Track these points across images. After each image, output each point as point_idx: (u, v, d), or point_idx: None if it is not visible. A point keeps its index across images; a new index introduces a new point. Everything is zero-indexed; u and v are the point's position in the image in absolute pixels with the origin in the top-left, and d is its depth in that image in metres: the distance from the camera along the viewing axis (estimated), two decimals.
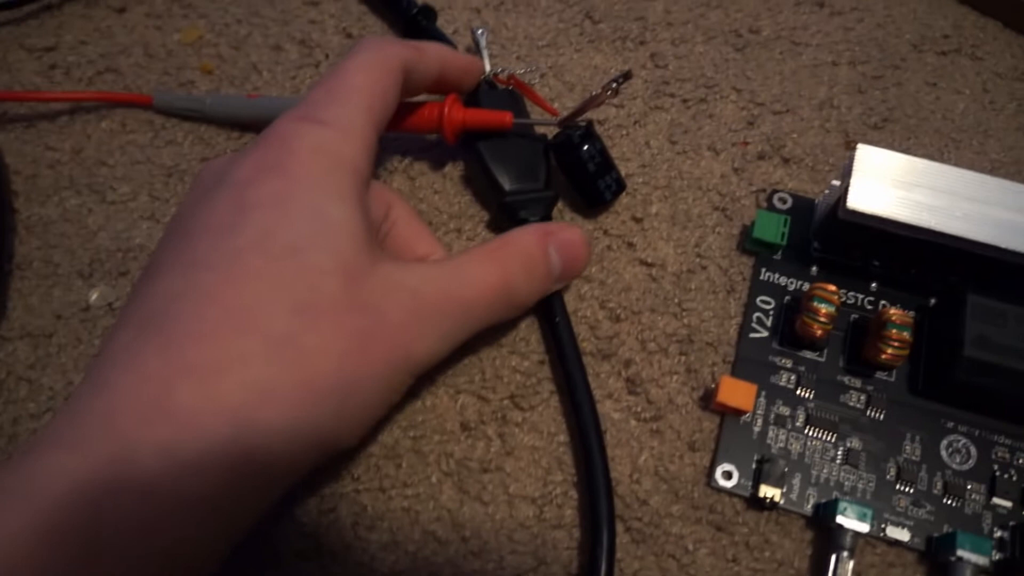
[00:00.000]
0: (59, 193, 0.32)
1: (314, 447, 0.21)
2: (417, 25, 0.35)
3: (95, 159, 0.33)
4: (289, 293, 0.20)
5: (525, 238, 0.26)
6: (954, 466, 0.27)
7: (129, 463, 0.18)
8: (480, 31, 0.33)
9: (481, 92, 0.31)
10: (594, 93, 0.28)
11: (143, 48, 0.36)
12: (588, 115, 0.30)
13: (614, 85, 0.27)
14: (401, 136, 0.33)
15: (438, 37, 0.35)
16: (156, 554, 0.18)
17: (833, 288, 0.27)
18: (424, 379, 0.28)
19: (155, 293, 0.21)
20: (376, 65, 0.25)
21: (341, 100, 0.24)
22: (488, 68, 0.32)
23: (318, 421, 0.20)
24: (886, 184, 0.27)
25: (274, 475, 0.20)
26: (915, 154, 0.33)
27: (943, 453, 0.27)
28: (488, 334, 0.29)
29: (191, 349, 0.19)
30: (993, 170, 0.34)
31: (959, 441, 0.27)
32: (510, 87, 0.32)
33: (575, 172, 0.30)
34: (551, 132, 0.31)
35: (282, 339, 0.20)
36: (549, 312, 0.28)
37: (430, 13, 0.36)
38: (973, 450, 0.27)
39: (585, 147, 0.29)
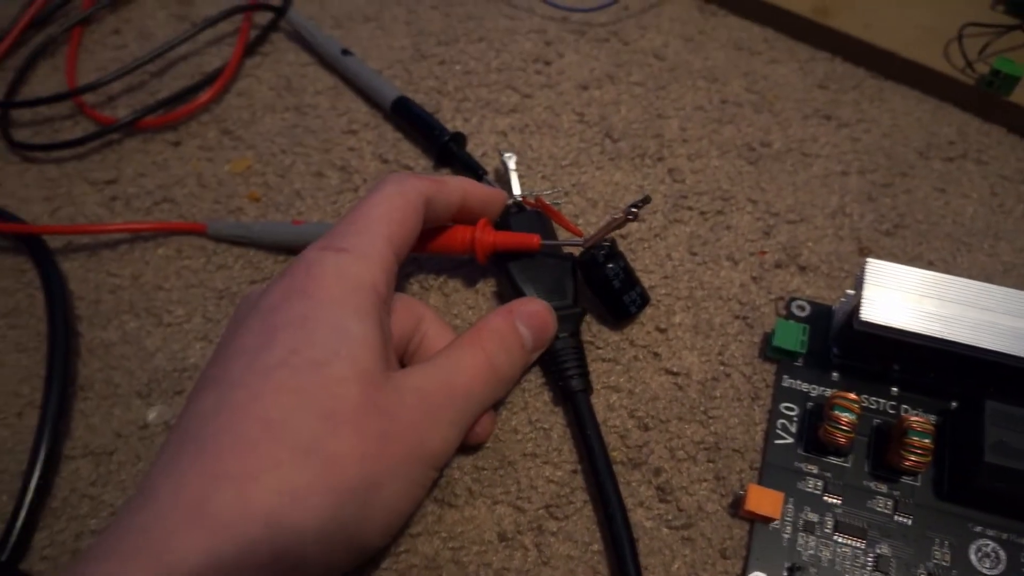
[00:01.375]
0: (119, 317, 0.35)
1: (343, 545, 0.22)
2: (448, 151, 0.38)
3: (153, 284, 0.35)
4: (314, 403, 0.22)
5: (494, 320, 0.28)
6: (984, 570, 0.27)
7: (170, 569, 0.19)
8: (507, 155, 0.36)
9: (511, 214, 0.33)
10: (615, 217, 0.30)
11: (196, 179, 0.39)
12: (612, 233, 0.31)
13: (634, 210, 0.29)
14: (436, 256, 0.35)
15: (468, 162, 0.37)
16: None
17: (854, 396, 0.28)
18: (462, 490, 0.29)
19: (194, 412, 0.23)
20: (395, 197, 0.28)
21: (361, 229, 0.26)
22: (517, 189, 0.34)
23: (344, 520, 0.22)
24: (897, 296, 0.28)
25: (305, 568, 0.22)
26: (928, 258, 0.35)
27: (972, 558, 0.28)
28: (522, 445, 0.30)
29: (226, 458, 0.21)
30: (1005, 271, 0.35)
31: (987, 545, 0.28)
32: (537, 209, 0.34)
33: (601, 289, 0.32)
34: (577, 251, 0.33)
35: (308, 446, 0.22)
36: (580, 422, 0.30)
37: (460, 139, 0.38)
38: (1002, 554, 0.28)
39: (610, 265, 0.31)
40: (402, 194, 0.28)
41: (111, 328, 0.34)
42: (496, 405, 0.30)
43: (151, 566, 0.20)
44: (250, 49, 0.44)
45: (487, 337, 0.28)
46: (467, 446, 0.30)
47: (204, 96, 0.41)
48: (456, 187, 0.30)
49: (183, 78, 0.43)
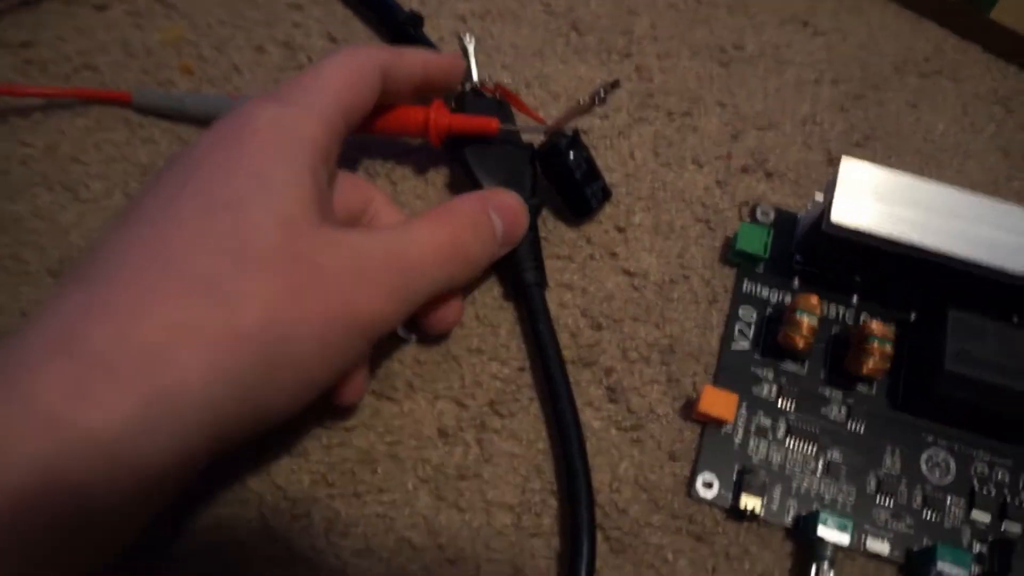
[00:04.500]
0: (31, 190, 0.31)
1: (238, 400, 0.20)
2: (404, 32, 0.35)
3: (69, 156, 0.32)
4: (220, 240, 0.20)
5: (467, 202, 0.26)
6: (934, 480, 0.27)
7: (29, 398, 0.17)
8: (467, 36, 0.33)
9: (467, 100, 0.31)
10: (581, 101, 0.28)
11: (122, 46, 0.35)
12: (574, 124, 0.29)
13: (602, 93, 0.27)
14: (385, 140, 0.33)
15: (424, 44, 0.35)
16: (58, 495, 0.17)
17: (816, 300, 0.27)
18: (401, 383, 0.28)
19: (91, 249, 0.21)
20: (349, 62, 0.25)
21: (307, 86, 0.24)
22: (475, 75, 0.32)
23: (241, 368, 0.19)
24: (869, 199, 0.27)
25: (197, 423, 0.19)
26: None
27: (923, 467, 0.27)
28: (467, 340, 0.29)
29: (110, 291, 0.19)
30: (973, 190, 0.34)
31: (939, 455, 0.27)
32: (496, 96, 0.32)
33: (561, 180, 0.30)
34: (537, 141, 0.30)
35: (205, 281, 0.19)
36: (533, 316, 0.28)
37: (417, 20, 0.36)
38: (952, 464, 0.27)
39: (572, 154, 0.29)
40: (357, 59, 0.25)
41: (21, 201, 0.31)
42: (462, 293, 0.28)
43: (9, 397, 0.17)
44: None
45: (455, 217, 0.25)
46: (428, 334, 0.28)
47: None
48: (416, 58, 0.28)
49: None
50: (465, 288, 0.28)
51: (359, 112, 0.26)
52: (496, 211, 0.26)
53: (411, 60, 0.28)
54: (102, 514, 0.18)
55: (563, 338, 0.29)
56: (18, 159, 0.32)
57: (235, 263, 0.20)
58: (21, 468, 0.17)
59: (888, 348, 0.27)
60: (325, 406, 0.27)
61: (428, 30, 0.36)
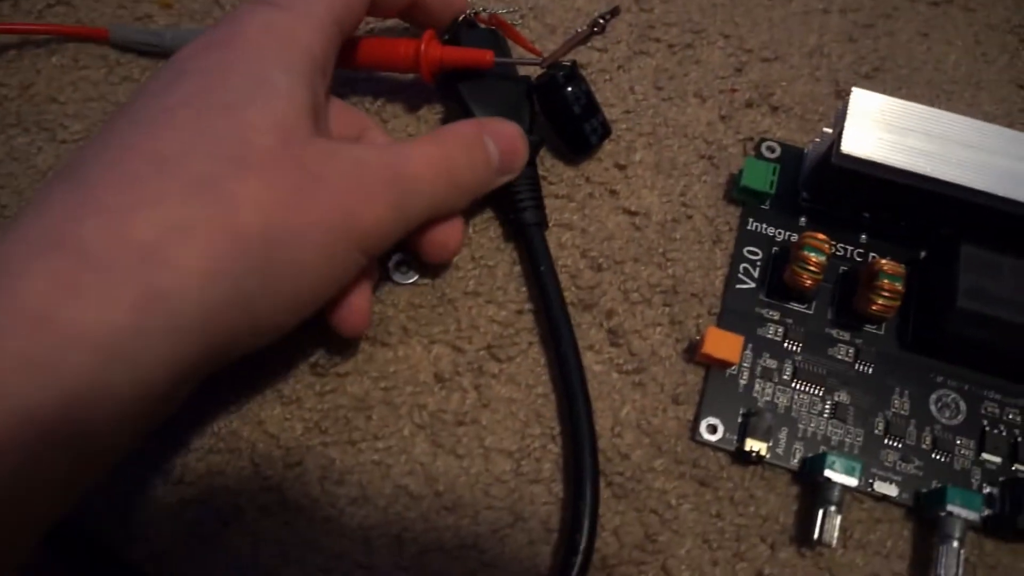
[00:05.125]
0: (5, 131, 0.30)
1: (234, 307, 0.19)
2: None
3: (45, 95, 0.31)
4: (216, 142, 0.19)
5: (462, 126, 0.25)
6: (943, 421, 0.26)
7: (13, 292, 0.16)
8: None
9: (460, 32, 0.29)
10: (580, 30, 0.27)
11: None
12: (572, 55, 0.28)
13: (601, 21, 0.26)
14: (374, 76, 0.31)
15: None
16: (46, 396, 0.16)
17: (824, 237, 0.26)
18: (396, 328, 0.27)
19: (81, 153, 0.20)
20: None
21: None
22: (467, 5, 0.30)
23: (239, 272, 0.19)
24: (881, 130, 0.26)
25: (191, 327, 0.18)
26: None
27: (932, 408, 0.26)
28: (464, 282, 0.28)
29: (103, 191, 0.18)
30: (985, 122, 0.33)
31: (948, 396, 0.27)
32: (491, 27, 0.30)
33: (559, 115, 0.28)
34: (534, 74, 0.29)
35: (203, 181, 0.19)
36: (533, 257, 0.27)
37: None
38: (963, 405, 0.26)
39: (570, 88, 0.28)
40: None
41: None
42: (463, 216, 0.27)
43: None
44: None
45: (450, 138, 0.24)
46: (430, 260, 0.26)
47: None
48: None
49: None
50: (464, 213, 0.27)
51: (353, 19, 0.24)
52: (492, 137, 0.25)
53: None
54: (93, 421, 0.17)
55: (563, 280, 0.28)
56: None
57: (233, 165, 0.19)
58: (3, 367, 0.16)
59: (899, 286, 0.26)
60: (318, 351, 0.26)
61: None
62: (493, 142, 0.25)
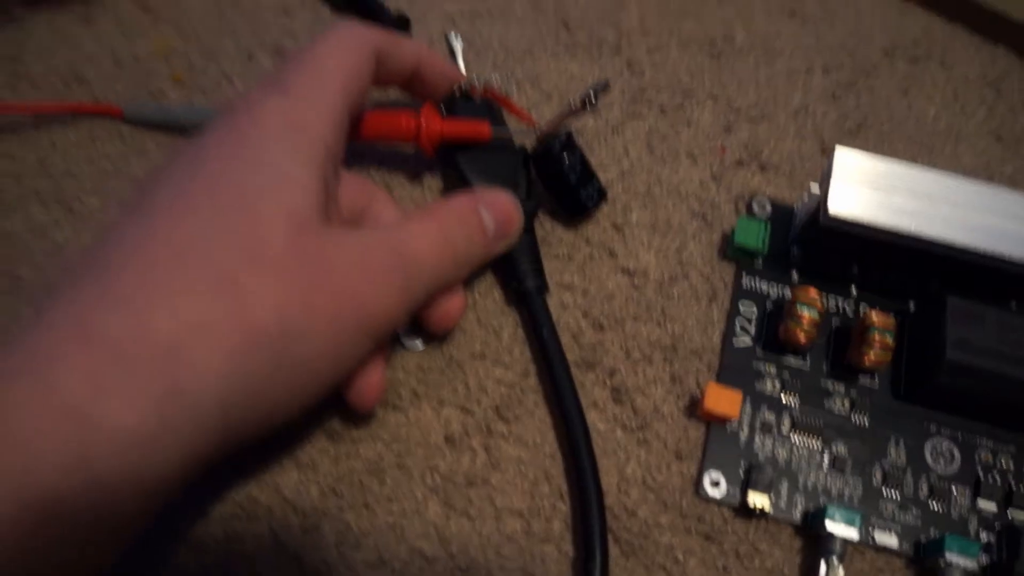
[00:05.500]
0: (24, 207, 0.31)
1: (253, 397, 0.20)
2: None
3: (62, 171, 0.32)
4: (233, 236, 0.20)
5: (456, 200, 0.26)
6: (939, 469, 0.27)
7: (46, 384, 0.17)
8: (454, 35, 0.33)
9: (457, 104, 0.31)
10: (572, 103, 0.28)
11: (111, 58, 0.35)
12: (567, 124, 0.29)
13: (591, 96, 0.27)
14: (379, 148, 0.32)
15: None
16: (79, 490, 0.17)
17: (816, 293, 0.27)
18: (407, 392, 0.28)
19: (104, 239, 0.20)
20: (348, 43, 0.25)
21: (310, 72, 0.24)
22: (465, 77, 0.32)
23: (253, 367, 0.19)
24: (865, 188, 0.27)
25: (210, 420, 0.19)
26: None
27: (927, 456, 0.27)
28: (470, 345, 0.29)
29: (128, 282, 0.19)
30: (966, 175, 0.34)
31: (942, 444, 0.27)
32: (486, 98, 0.31)
33: (556, 182, 0.30)
34: (531, 143, 0.30)
35: (221, 278, 0.19)
36: (535, 322, 0.28)
37: (404, 23, 0.35)
38: (957, 453, 0.27)
39: (566, 157, 0.29)
40: (355, 40, 0.25)
41: (15, 218, 0.31)
42: (462, 289, 0.28)
43: (34, 389, 0.17)
44: None
45: (445, 214, 0.25)
46: (433, 332, 0.27)
47: None
48: (411, 48, 0.28)
49: None
50: (464, 284, 0.28)
51: (360, 97, 0.26)
52: (487, 208, 0.26)
53: (407, 48, 0.28)
54: (117, 512, 0.18)
55: (565, 340, 0.29)
56: (11, 175, 0.32)
57: (248, 260, 0.20)
58: (40, 459, 0.17)
59: (889, 339, 0.27)
60: (332, 417, 0.27)
61: (417, 32, 0.36)
62: (488, 213, 0.26)
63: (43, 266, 0.30)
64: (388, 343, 0.27)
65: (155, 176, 0.22)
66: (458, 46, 0.33)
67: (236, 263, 0.20)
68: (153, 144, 0.33)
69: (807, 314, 0.27)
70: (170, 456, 0.18)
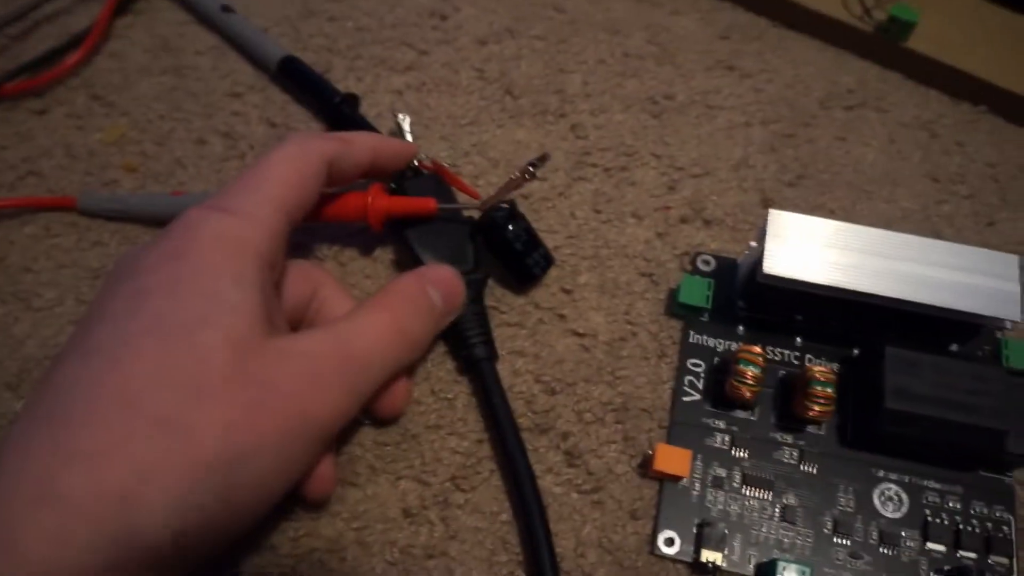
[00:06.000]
0: None
1: (204, 525, 0.20)
2: (341, 113, 0.36)
3: (19, 266, 0.33)
4: (177, 372, 0.21)
5: (402, 283, 0.27)
6: (887, 514, 0.28)
7: (13, 548, 0.18)
8: (402, 116, 0.34)
9: (407, 178, 0.32)
10: (512, 177, 0.29)
11: (65, 149, 0.36)
12: (512, 194, 0.30)
13: (531, 168, 0.28)
14: (331, 224, 0.33)
15: (362, 124, 0.36)
16: None
17: (758, 350, 0.28)
18: (364, 467, 0.28)
19: (52, 382, 0.21)
20: (294, 158, 0.26)
21: (251, 189, 0.25)
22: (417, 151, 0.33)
23: (206, 497, 0.20)
24: (799, 246, 0.28)
25: (165, 552, 0.20)
26: (829, 207, 0.35)
27: (876, 502, 0.28)
28: (425, 416, 0.29)
29: (78, 434, 0.20)
30: (904, 217, 0.35)
31: (890, 489, 0.28)
32: (435, 172, 0.32)
33: (503, 252, 0.30)
34: (477, 215, 0.31)
35: (165, 419, 0.20)
36: (486, 391, 0.29)
37: (354, 100, 0.37)
38: (904, 497, 0.28)
39: (510, 227, 0.30)
40: (302, 154, 0.26)
41: None
42: (409, 374, 0.28)
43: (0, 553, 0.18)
44: (121, 7, 0.40)
45: (394, 300, 0.26)
46: (381, 420, 0.29)
47: (71, 59, 0.38)
48: (364, 145, 0.29)
49: (48, 40, 0.39)
50: (410, 370, 0.29)
51: (304, 208, 0.26)
52: (433, 285, 0.27)
53: (360, 148, 0.29)
54: None
55: (518, 406, 0.29)
56: None
57: (191, 395, 0.20)
58: None
59: (831, 391, 0.27)
60: (291, 498, 0.27)
61: (366, 107, 0.37)
62: (434, 289, 0.27)
63: (4, 362, 0.30)
64: (335, 439, 0.27)
65: (98, 311, 0.22)
66: (406, 124, 0.34)
67: (180, 401, 0.20)
68: (108, 233, 0.33)
69: (750, 371, 0.28)
70: None
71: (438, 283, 0.27)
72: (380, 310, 0.25)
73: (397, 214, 0.30)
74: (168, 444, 0.20)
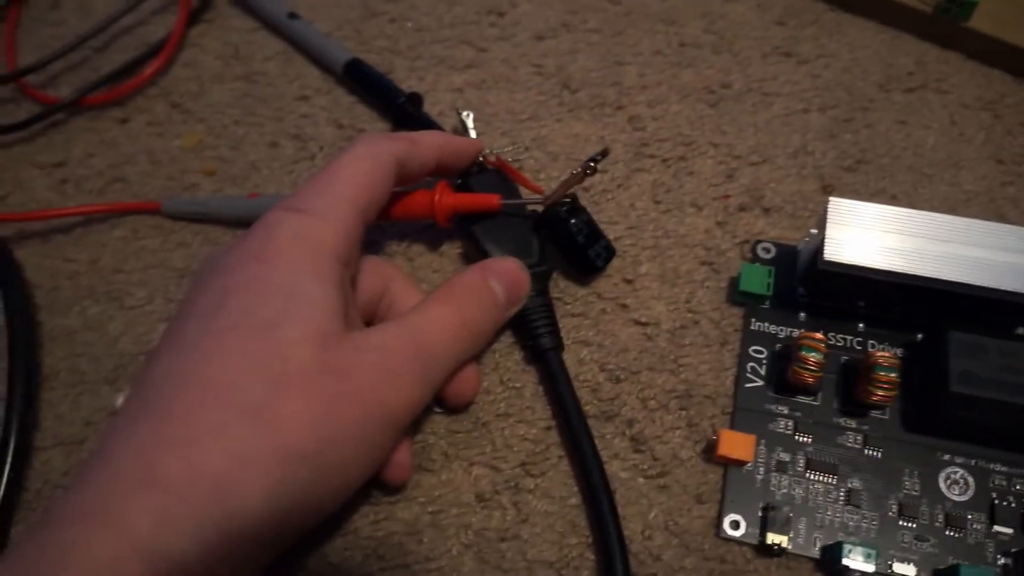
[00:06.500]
0: (79, 303, 0.34)
1: (295, 508, 0.22)
2: (405, 112, 0.37)
3: (111, 267, 0.35)
4: (263, 365, 0.22)
5: (466, 276, 0.28)
6: (954, 498, 0.28)
7: (123, 528, 0.20)
8: (465, 113, 0.35)
9: (471, 175, 0.33)
10: (574, 172, 0.30)
11: (147, 156, 0.38)
12: (573, 188, 0.31)
13: (592, 164, 0.29)
14: (398, 222, 0.35)
15: (425, 121, 0.37)
16: None
17: (820, 336, 0.28)
18: (438, 454, 0.29)
19: (149, 377, 0.23)
20: (365, 159, 0.27)
21: (325, 191, 0.26)
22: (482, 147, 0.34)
23: (295, 483, 0.22)
24: (860, 232, 0.28)
25: (260, 537, 0.21)
26: (891, 192, 0.35)
27: (942, 486, 0.28)
28: (495, 405, 0.30)
29: (175, 423, 0.21)
30: (968, 201, 0.35)
31: (956, 473, 0.28)
32: (497, 168, 0.33)
33: (566, 244, 0.31)
34: (540, 208, 0.32)
35: (257, 408, 0.22)
36: (553, 380, 0.30)
37: (417, 99, 0.38)
38: (971, 480, 0.28)
39: (572, 221, 0.31)
40: (372, 155, 0.27)
41: (72, 315, 0.34)
42: (477, 362, 0.30)
43: (109, 532, 0.20)
44: (194, 17, 0.42)
45: (458, 293, 0.27)
46: (452, 408, 0.30)
47: (149, 69, 0.40)
48: (430, 144, 0.30)
49: (127, 51, 0.42)
50: (478, 358, 0.30)
51: (376, 207, 0.28)
52: (496, 278, 0.28)
53: (427, 147, 0.30)
54: None
55: (584, 394, 0.30)
56: (66, 275, 0.35)
57: (278, 388, 0.22)
58: None
59: (894, 376, 0.28)
60: (371, 483, 0.29)
61: (428, 105, 0.38)
62: (497, 282, 0.28)
63: (102, 359, 0.32)
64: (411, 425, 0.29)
65: (186, 310, 0.24)
66: (469, 121, 0.35)
67: (268, 392, 0.22)
68: (191, 235, 0.35)
69: (812, 357, 0.28)
70: (229, 570, 0.21)
71: (501, 275, 0.29)
72: (445, 303, 0.27)
73: (463, 210, 0.31)
74: (260, 432, 0.21)
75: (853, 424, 0.29)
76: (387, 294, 0.29)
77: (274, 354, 0.22)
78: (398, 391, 0.24)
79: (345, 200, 0.26)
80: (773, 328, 0.31)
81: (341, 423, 0.23)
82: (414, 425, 0.30)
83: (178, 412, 0.21)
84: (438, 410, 0.30)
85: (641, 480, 0.29)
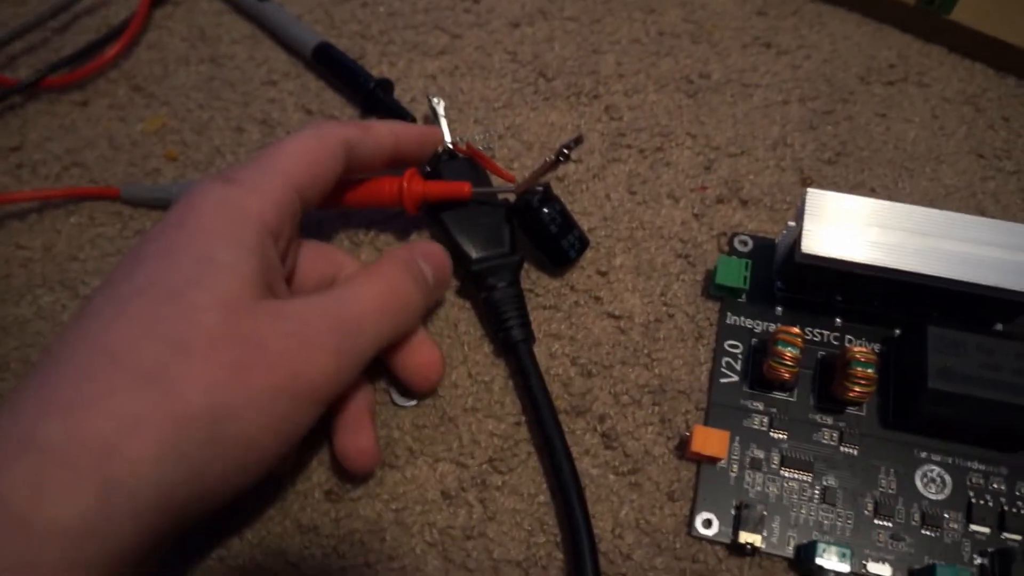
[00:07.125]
0: (32, 291, 0.33)
1: (193, 479, 0.21)
2: (375, 98, 0.36)
3: (66, 255, 0.33)
4: (164, 330, 0.21)
5: (396, 252, 0.28)
6: (930, 496, 0.27)
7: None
8: (436, 100, 0.34)
9: (442, 163, 0.32)
10: (547, 160, 0.29)
11: (108, 140, 0.37)
12: (546, 177, 0.30)
13: (565, 151, 0.28)
14: (366, 210, 0.34)
15: (396, 108, 0.36)
16: None
17: (796, 331, 0.28)
18: (402, 450, 0.28)
19: (48, 346, 0.22)
20: (308, 139, 0.27)
21: (260, 165, 0.25)
22: (447, 134, 0.33)
23: (187, 450, 0.20)
24: (838, 226, 0.28)
25: (151, 506, 0.20)
26: (870, 185, 0.34)
27: (918, 484, 0.28)
28: (462, 399, 0.29)
29: (62, 387, 0.20)
30: (947, 195, 0.35)
31: (933, 471, 0.28)
32: (469, 156, 0.32)
33: (538, 234, 0.30)
34: (512, 197, 0.31)
35: (151, 374, 0.21)
36: (523, 373, 0.29)
37: (387, 85, 0.37)
38: (948, 479, 0.28)
39: (545, 210, 0.30)
40: (318, 136, 0.27)
41: (24, 304, 0.32)
42: (436, 345, 0.29)
43: None
44: None
45: (392, 266, 0.27)
46: (415, 392, 0.29)
47: (111, 51, 0.38)
48: (385, 132, 0.29)
49: (88, 32, 0.40)
50: (435, 340, 0.30)
51: (318, 187, 0.27)
52: (422, 258, 0.28)
53: (379, 133, 0.29)
54: None
55: (555, 388, 0.29)
56: (18, 262, 0.33)
57: (177, 350, 0.21)
58: None
59: (871, 372, 0.27)
60: (332, 479, 0.28)
61: (399, 92, 0.37)
62: (424, 261, 0.28)
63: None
64: (373, 411, 0.28)
65: (102, 281, 0.23)
66: (440, 108, 0.34)
67: (165, 355, 0.21)
68: (150, 221, 0.34)
69: (789, 352, 0.27)
70: (116, 542, 0.19)
71: (427, 257, 0.28)
72: (372, 276, 0.26)
73: (432, 198, 0.30)
74: (152, 395, 0.20)
75: (829, 421, 0.29)
76: (337, 281, 0.28)
77: (179, 319, 0.21)
78: (313, 362, 0.23)
79: (279, 173, 0.25)
80: (749, 322, 0.31)
81: (246, 392, 0.21)
82: (376, 418, 0.29)
83: (67, 377, 0.20)
84: (402, 403, 0.29)
85: (612, 477, 0.28)
